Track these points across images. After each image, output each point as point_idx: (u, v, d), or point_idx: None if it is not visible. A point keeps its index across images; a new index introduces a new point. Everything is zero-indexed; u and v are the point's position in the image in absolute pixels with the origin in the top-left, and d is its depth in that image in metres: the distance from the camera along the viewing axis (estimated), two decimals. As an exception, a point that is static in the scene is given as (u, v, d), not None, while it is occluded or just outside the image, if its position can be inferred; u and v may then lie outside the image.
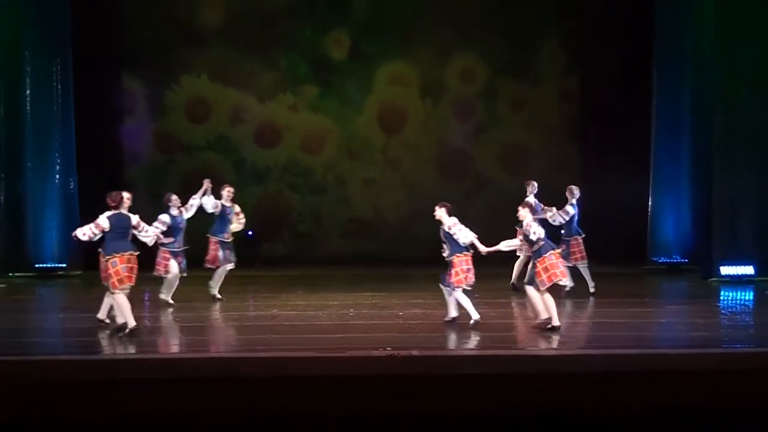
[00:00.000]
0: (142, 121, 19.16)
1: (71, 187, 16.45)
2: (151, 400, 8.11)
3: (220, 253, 12.90)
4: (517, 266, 13.52)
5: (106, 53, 18.14)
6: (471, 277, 10.76)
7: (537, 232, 10.42)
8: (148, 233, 10.58)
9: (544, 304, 10.54)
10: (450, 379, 8.43)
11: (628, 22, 18.10)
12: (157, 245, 11.93)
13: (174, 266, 12.34)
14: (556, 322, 10.47)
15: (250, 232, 18.82)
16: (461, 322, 10.86)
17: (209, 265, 13.01)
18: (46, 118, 16.46)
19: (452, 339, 10.30)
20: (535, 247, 10.49)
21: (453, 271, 10.73)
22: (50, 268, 16.14)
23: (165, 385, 8.34)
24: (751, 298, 13.89)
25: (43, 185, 16.36)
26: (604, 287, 14.62)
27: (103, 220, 10.14)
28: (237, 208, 13.13)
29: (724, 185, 15.11)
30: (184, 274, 12.47)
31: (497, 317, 11.27)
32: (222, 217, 12.96)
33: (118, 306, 10.15)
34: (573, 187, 13.40)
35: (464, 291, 10.79)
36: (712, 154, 15.39)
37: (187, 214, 12.57)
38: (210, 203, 12.86)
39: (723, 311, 12.93)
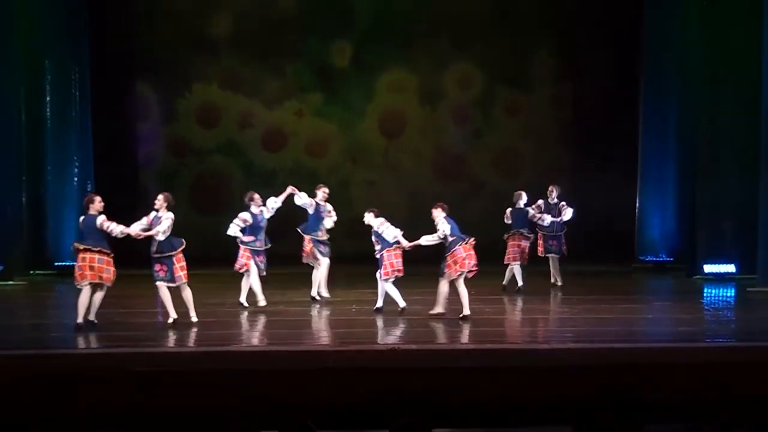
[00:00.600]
0: (155, 127, 19.21)
1: (88, 188, 16.45)
2: (162, 392, 8.14)
3: (315, 250, 12.56)
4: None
5: (121, 62, 18.19)
6: (400, 271, 11.31)
7: (444, 229, 10.92)
8: (113, 231, 10.29)
9: (459, 295, 10.95)
10: (448, 372, 8.45)
11: (616, 32, 18.16)
12: (238, 243, 11.88)
13: (253, 267, 11.93)
14: (466, 311, 10.90)
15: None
16: (451, 317, 10.90)
17: (306, 260, 12.73)
18: (65, 123, 16.52)
19: (450, 334, 10.32)
20: (447, 242, 10.93)
21: (384, 264, 11.30)
22: (69, 266, 15.97)
23: (174, 377, 8.37)
24: (733, 294, 13.92)
25: (62, 187, 16.40)
26: (595, 285, 14.67)
27: (80, 222, 10.52)
28: (329, 207, 12.74)
29: (708, 187, 15.14)
30: (263, 274, 12.02)
31: (492, 313, 11.31)
32: (316, 215, 12.60)
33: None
34: (520, 192, 13.73)
35: (394, 282, 11.36)
36: (696, 157, 15.43)
37: (267, 214, 12.16)
38: (306, 201, 12.52)
39: (706, 307, 12.96)
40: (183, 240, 10.63)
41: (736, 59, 14.78)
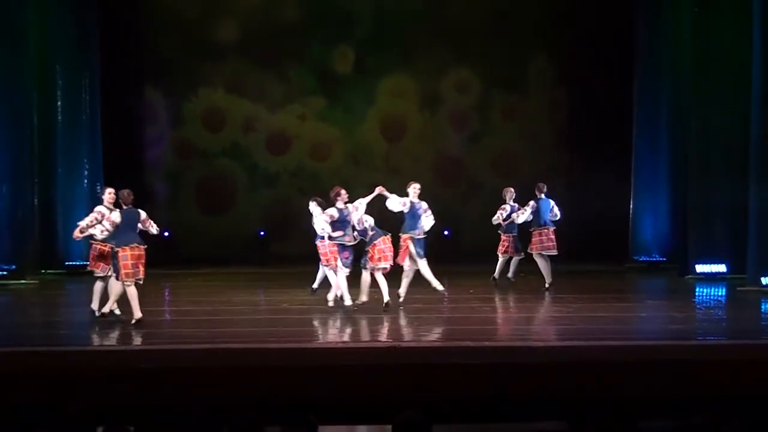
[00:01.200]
0: (162, 130, 19.22)
1: (98, 190, 16.43)
2: (167, 389, 8.14)
3: (412, 249, 11.59)
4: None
5: (130, 67, 18.21)
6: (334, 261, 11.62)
7: (366, 221, 11.31)
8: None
9: (378, 285, 11.20)
10: (448, 369, 8.45)
11: (611, 37, 18.16)
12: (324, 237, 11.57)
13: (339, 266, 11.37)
14: (387, 298, 11.17)
15: (262, 233, 18.89)
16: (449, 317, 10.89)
17: (401, 263, 11.76)
18: (75, 127, 16.57)
19: (450, 332, 10.32)
20: (367, 236, 11.29)
21: (323, 252, 11.78)
22: (79, 265, 16.10)
23: (179, 374, 8.37)
24: (724, 294, 13.91)
25: (72, 189, 16.43)
26: (589, 284, 14.67)
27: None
28: (425, 205, 11.83)
29: (699, 188, 15.13)
30: (348, 269, 11.38)
31: (489, 311, 11.30)
32: (412, 214, 11.67)
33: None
34: (509, 188, 13.87)
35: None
36: (688, 159, 15.42)
37: (356, 214, 11.37)
38: (398, 202, 11.69)
39: (698, 306, 12.95)
40: (133, 240, 10.32)
41: (726, 62, 14.77)
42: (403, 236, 11.68)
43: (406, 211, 11.71)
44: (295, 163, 19.35)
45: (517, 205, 13.71)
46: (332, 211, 11.33)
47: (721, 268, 15.05)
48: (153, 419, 7.54)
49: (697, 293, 13.89)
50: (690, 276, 15.06)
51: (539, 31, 19.05)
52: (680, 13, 16.09)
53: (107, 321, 10.50)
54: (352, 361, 8.63)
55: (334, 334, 10.51)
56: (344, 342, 9.84)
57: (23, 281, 15.00)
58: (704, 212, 15.08)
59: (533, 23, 19.04)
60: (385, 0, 19.15)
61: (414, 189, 11.82)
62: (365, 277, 11.39)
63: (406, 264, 11.69)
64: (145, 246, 10.42)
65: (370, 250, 11.30)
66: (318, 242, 11.94)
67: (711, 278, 14.90)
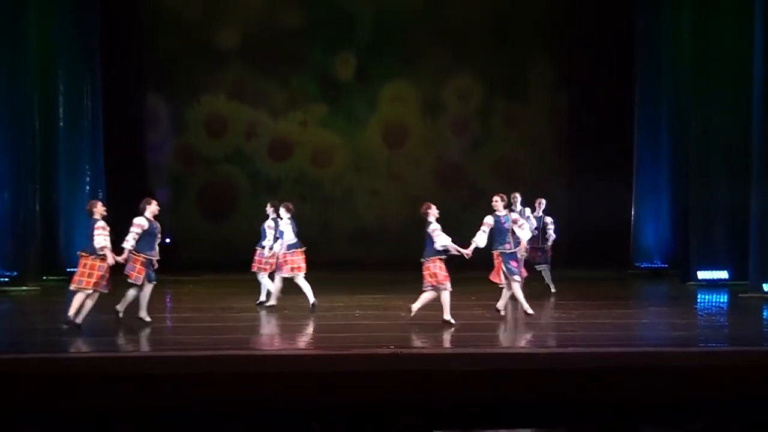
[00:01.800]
0: (164, 136, 19.25)
1: (100, 196, 16.46)
2: (169, 394, 8.14)
3: (504, 266, 11.06)
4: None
5: (132, 73, 18.25)
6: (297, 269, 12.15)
7: (287, 231, 11.86)
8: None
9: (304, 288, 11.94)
10: (448, 375, 8.43)
11: (611, 38, 18.18)
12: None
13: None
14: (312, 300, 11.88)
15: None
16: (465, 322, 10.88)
17: (495, 281, 11.26)
18: (77, 132, 16.60)
19: (453, 338, 10.30)
20: (284, 240, 11.94)
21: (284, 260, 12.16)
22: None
23: (183, 379, 8.36)
24: (726, 300, 13.89)
25: (74, 194, 16.43)
26: (591, 290, 14.65)
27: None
28: (514, 216, 11.35)
29: (701, 195, 15.14)
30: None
31: (492, 318, 11.27)
32: (497, 229, 11.05)
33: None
34: (541, 199, 13.91)
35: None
36: (688, 161, 15.41)
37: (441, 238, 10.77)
38: (484, 236, 10.96)
39: (700, 313, 12.93)
40: (88, 247, 10.28)
41: (726, 62, 14.78)
42: (495, 252, 11.14)
43: (492, 227, 11.09)
44: (297, 170, 19.38)
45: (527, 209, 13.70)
46: (436, 227, 10.75)
47: (723, 274, 15.05)
48: (154, 425, 7.54)
49: (698, 300, 13.87)
50: (692, 282, 15.05)
51: (539, 33, 19.09)
52: (680, 13, 16.11)
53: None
54: (353, 368, 8.62)
55: (335, 340, 10.49)
56: (344, 349, 9.82)
57: (24, 287, 14.99)
58: (706, 218, 15.09)
59: (533, 25, 19.09)
60: (386, 6, 19.19)
61: (496, 203, 11.17)
62: (277, 281, 12.18)
63: (503, 279, 11.16)
64: (96, 255, 10.22)
65: (287, 257, 11.89)
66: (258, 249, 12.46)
67: (713, 285, 14.89)
